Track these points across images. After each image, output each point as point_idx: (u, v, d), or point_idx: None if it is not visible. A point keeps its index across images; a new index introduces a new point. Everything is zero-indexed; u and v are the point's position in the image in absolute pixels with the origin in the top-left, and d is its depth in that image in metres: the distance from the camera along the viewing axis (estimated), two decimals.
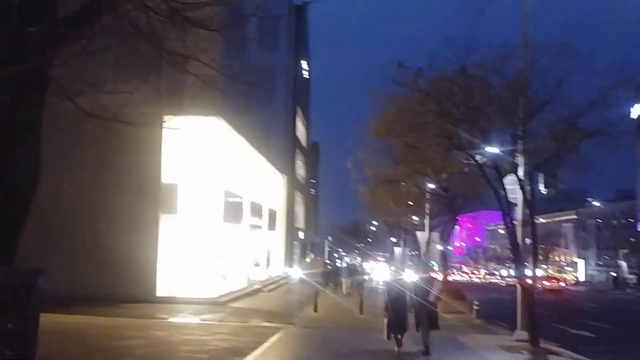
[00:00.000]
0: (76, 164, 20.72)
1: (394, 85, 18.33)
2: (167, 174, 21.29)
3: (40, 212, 8.87)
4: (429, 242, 32.85)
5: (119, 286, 19.90)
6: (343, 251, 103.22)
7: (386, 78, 17.99)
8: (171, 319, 16.99)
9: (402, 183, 31.33)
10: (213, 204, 21.77)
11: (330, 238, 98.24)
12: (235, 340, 13.42)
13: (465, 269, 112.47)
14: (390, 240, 72.48)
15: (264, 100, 44.05)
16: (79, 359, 10.86)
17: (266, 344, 13.25)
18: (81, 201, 20.67)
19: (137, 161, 20.77)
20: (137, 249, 20.46)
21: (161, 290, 20.83)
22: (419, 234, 34.75)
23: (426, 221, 34.22)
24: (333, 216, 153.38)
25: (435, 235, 33.87)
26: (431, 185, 29.74)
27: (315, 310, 20.90)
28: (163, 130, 20.56)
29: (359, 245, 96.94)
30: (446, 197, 29.31)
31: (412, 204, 35.22)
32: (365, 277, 39.07)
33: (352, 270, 36.15)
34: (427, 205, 33.17)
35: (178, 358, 11.35)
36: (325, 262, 50.71)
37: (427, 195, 31.49)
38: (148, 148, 20.78)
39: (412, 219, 39.79)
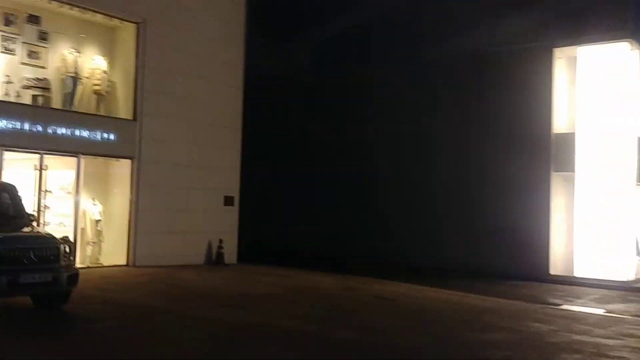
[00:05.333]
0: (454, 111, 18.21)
1: None
2: (561, 121, 16.90)
3: None
4: None
5: (505, 260, 16.62)
6: None
7: None
8: (565, 306, 12.81)
9: None
10: (623, 158, 16.32)
11: None
12: None
13: None
14: None
15: None
16: (401, 341, 8.04)
17: None
18: (462, 158, 18.07)
19: (520, 106, 17.00)
20: (524, 215, 16.73)
21: (556, 268, 16.67)
22: None
23: None
24: None
25: None
26: None
27: None
28: (554, 64, 16.26)
29: None
30: None
31: None
32: None
33: None
34: None
35: None
36: None
37: None
38: (535, 89, 16.79)
39: None
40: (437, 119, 18.50)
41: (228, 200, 17.47)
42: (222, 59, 17.27)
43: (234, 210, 17.65)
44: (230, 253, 17.19)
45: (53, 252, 8.86)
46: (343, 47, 20.62)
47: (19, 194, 10.22)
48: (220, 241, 16.87)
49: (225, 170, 17.33)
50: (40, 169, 13.61)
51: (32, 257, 8.52)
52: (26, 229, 9.54)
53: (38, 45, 14.40)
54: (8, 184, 10.62)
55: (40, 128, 13.46)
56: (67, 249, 9.16)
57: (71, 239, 13.92)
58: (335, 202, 20.38)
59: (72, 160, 14.26)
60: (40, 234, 9.38)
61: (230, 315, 9.86)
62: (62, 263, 8.94)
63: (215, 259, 16.81)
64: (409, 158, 19.12)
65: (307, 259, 18.52)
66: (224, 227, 17.16)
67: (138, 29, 15.47)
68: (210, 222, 16.85)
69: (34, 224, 10.07)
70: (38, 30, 14.38)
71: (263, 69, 20.53)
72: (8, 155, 13.08)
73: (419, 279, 15.17)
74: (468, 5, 18.33)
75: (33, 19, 14.25)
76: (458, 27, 18.44)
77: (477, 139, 17.86)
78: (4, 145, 12.90)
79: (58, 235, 9.74)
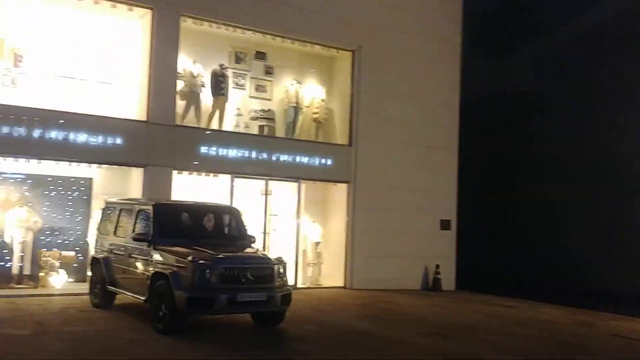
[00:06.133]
0: None
1: None
2: None
3: None
4: None
5: None
6: None
7: None
8: None
9: None
10: None
11: None
12: None
13: None
14: None
15: None
16: None
17: None
18: None
19: None
20: None
21: None
22: None
23: None
24: None
25: None
26: None
27: None
28: None
29: None
30: None
31: None
32: None
33: None
34: None
35: None
36: None
37: None
38: None
39: None
40: None
41: (444, 224, 16.95)
42: (437, 79, 16.97)
43: (451, 234, 17.06)
44: (448, 279, 16.59)
45: (268, 272, 9.28)
46: (570, 56, 18.99)
47: (242, 217, 10.99)
48: (437, 266, 16.38)
49: (441, 193, 16.87)
50: (266, 194, 14.58)
51: (249, 276, 9.01)
52: (248, 250, 10.16)
53: (264, 79, 15.58)
54: (232, 207, 11.49)
55: (265, 156, 14.45)
56: (281, 270, 9.53)
57: (293, 260, 14.70)
58: (563, 224, 18.61)
59: (294, 185, 15.04)
60: (256, 255, 9.92)
61: (438, 345, 9.37)
62: (276, 283, 9.32)
63: (431, 285, 16.36)
64: None
65: (533, 286, 17.08)
66: (440, 252, 16.66)
67: (353, 56, 15.91)
68: (427, 246, 16.48)
69: (254, 245, 10.70)
70: (264, 65, 15.56)
71: (481, 86, 19.75)
72: (238, 181, 14.24)
73: None
74: None
75: (260, 55, 15.47)
76: None
77: None
78: (235, 172, 14.08)
79: (280, 255, 10.20)
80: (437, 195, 16.79)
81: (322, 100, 15.95)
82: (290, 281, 14.34)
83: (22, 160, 12.38)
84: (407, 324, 11.12)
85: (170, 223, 9.93)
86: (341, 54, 16.15)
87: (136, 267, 9.80)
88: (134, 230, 10.06)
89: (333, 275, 15.58)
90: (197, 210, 10.78)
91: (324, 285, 15.42)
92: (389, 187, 15.97)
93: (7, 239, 12.61)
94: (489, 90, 20.45)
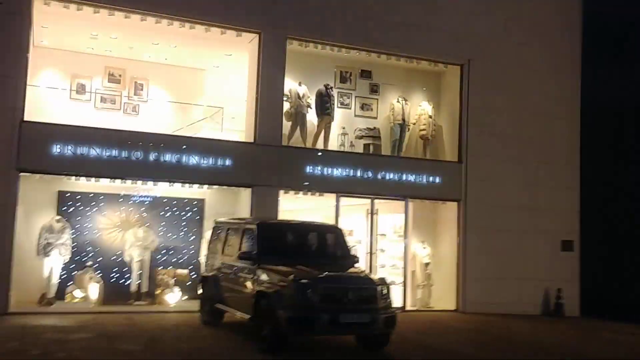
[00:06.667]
0: None
1: None
2: None
3: None
4: None
5: None
6: None
7: None
8: None
9: None
10: None
11: None
12: None
13: None
14: None
15: None
16: None
17: None
18: None
19: None
20: None
21: None
22: None
23: None
24: None
25: None
26: None
27: None
28: None
29: None
30: None
31: None
32: None
33: None
34: None
35: None
36: None
37: None
38: None
39: None
40: None
41: (566, 245, 15.79)
42: (554, 91, 16.00)
43: (574, 256, 15.86)
44: (571, 304, 15.41)
45: (371, 293, 8.99)
46: None
47: (345, 236, 10.83)
48: (559, 290, 15.27)
49: (561, 212, 15.77)
50: (372, 214, 14.34)
51: (351, 297, 8.78)
52: (350, 270, 9.95)
53: (370, 98, 15.45)
54: (335, 226, 11.35)
55: (371, 174, 14.24)
56: (385, 291, 9.22)
57: (401, 281, 14.32)
58: None
59: (400, 204, 14.68)
60: (359, 275, 9.68)
61: None
62: (380, 305, 9.01)
63: (553, 310, 15.26)
64: None
65: None
66: (562, 275, 15.53)
67: (462, 70, 15.40)
68: (546, 268, 15.44)
69: (358, 265, 10.48)
70: (369, 83, 15.45)
71: (603, 97, 18.38)
72: (344, 201, 14.13)
73: None
74: None
75: (365, 74, 15.39)
76: None
77: None
78: (340, 192, 13.99)
79: (383, 276, 9.92)
80: (557, 214, 15.71)
81: (430, 117, 15.53)
82: (399, 303, 14.04)
83: (139, 183, 13.06)
84: (523, 353, 10.35)
85: (274, 242, 9.96)
86: (449, 68, 15.68)
87: (242, 286, 9.89)
88: (239, 249, 10.20)
89: (444, 298, 14.98)
90: (301, 230, 10.76)
91: (434, 308, 14.85)
92: (503, 206, 15.16)
93: (126, 258, 13.29)
94: (612, 100, 19.00)
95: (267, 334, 8.81)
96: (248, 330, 9.86)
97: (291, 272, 8.86)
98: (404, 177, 14.57)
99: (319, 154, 13.96)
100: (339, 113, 14.94)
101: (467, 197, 15.01)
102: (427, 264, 15.02)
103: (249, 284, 9.63)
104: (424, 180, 14.75)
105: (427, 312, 14.51)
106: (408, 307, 14.41)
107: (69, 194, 13.32)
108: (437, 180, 14.88)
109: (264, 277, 9.24)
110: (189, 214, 14.24)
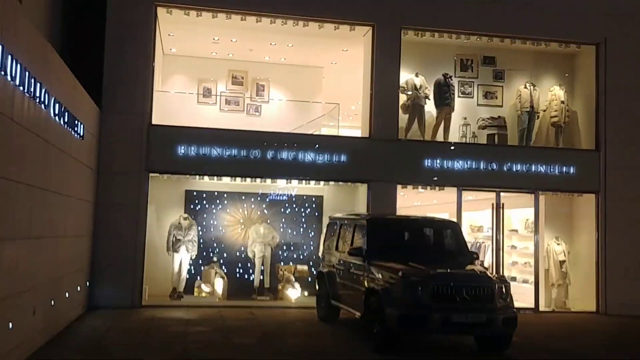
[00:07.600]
0: None
1: None
2: None
3: None
4: None
5: None
6: None
7: None
8: None
9: None
10: None
11: None
12: None
13: None
14: None
15: None
16: None
17: None
18: None
19: None
20: None
21: None
22: None
23: None
24: None
25: None
26: None
27: None
28: None
29: None
30: None
31: None
32: None
33: None
34: None
35: None
36: None
37: None
38: None
39: None
40: None
41: None
42: None
43: None
44: None
45: (487, 291, 8.40)
46: None
47: (462, 231, 10.27)
48: None
49: None
50: (497, 208, 13.52)
51: (466, 295, 8.26)
52: (467, 267, 9.39)
53: (494, 85, 14.58)
54: (451, 221, 10.80)
55: (495, 166, 13.44)
56: (503, 289, 8.58)
57: (533, 280, 13.38)
58: None
59: (529, 197, 13.70)
60: (474, 273, 9.04)
61: None
62: (498, 304, 8.40)
63: None
64: None
65: None
66: None
67: (597, 50, 14.06)
68: None
69: (477, 262, 9.88)
70: (493, 70, 14.59)
71: None
72: (466, 194, 13.46)
73: None
74: None
75: (487, 60, 14.54)
76: None
77: None
78: (462, 185, 13.35)
79: (502, 274, 9.30)
80: None
81: (562, 102, 14.33)
82: (531, 304, 13.11)
83: (258, 180, 13.37)
84: None
85: (385, 238, 9.69)
86: (583, 49, 14.38)
87: (353, 282, 9.72)
88: (352, 245, 10.04)
89: (582, 299, 13.76)
90: (414, 225, 10.38)
91: (572, 309, 13.70)
92: None
93: (249, 254, 13.66)
94: None
95: (376, 333, 8.56)
96: (361, 328, 9.66)
97: (401, 268, 8.53)
98: (533, 168, 13.58)
99: (452, 147, 13.39)
100: (459, 103, 14.24)
101: (606, 188, 13.66)
102: (562, 262, 13.86)
103: (360, 281, 9.42)
104: (556, 170, 13.64)
105: (562, 313, 13.42)
106: (542, 308, 13.42)
107: (195, 193, 13.94)
108: (572, 170, 13.70)
109: (373, 273, 8.99)
110: (308, 211, 14.34)
